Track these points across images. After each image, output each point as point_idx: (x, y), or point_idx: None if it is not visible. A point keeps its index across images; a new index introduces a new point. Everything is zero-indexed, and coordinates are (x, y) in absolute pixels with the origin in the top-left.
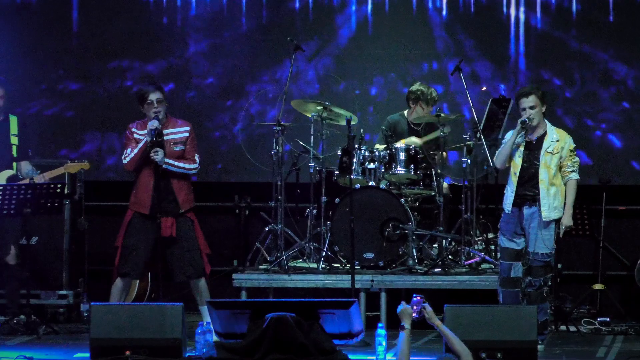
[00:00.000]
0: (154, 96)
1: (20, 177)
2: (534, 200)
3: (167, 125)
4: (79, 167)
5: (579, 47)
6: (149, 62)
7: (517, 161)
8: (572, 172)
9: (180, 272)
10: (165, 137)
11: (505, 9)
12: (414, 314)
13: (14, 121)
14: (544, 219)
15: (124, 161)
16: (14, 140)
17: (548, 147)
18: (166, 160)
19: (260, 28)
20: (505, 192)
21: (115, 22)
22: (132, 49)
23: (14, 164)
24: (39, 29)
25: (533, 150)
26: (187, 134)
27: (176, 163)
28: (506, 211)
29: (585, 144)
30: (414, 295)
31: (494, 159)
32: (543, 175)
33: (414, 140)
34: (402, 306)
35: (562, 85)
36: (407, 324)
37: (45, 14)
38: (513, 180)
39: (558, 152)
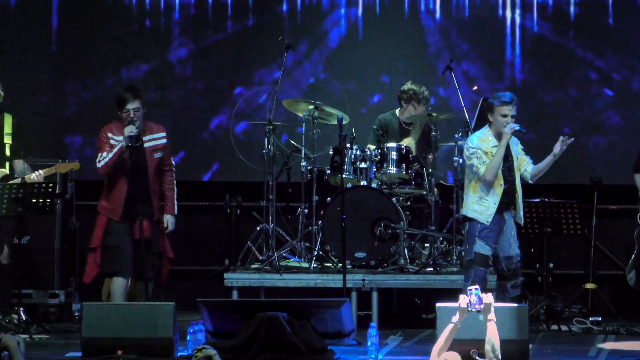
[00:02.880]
0: (131, 105)
1: (15, 176)
2: (511, 204)
3: (145, 131)
4: (69, 167)
5: (576, 50)
6: (133, 66)
7: (500, 173)
8: (530, 161)
9: (140, 270)
10: (146, 145)
11: (500, 12)
12: (470, 308)
13: (8, 119)
14: (519, 222)
15: (98, 165)
16: (8, 139)
17: (518, 154)
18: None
19: (248, 31)
20: (481, 204)
21: (97, 25)
22: (115, 53)
23: (7, 163)
24: (18, 32)
25: (507, 156)
26: (164, 140)
27: (174, 201)
28: (484, 222)
29: (580, 144)
30: (469, 289)
31: (485, 173)
32: (518, 181)
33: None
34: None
35: (558, 88)
36: (455, 318)
37: (25, 16)
38: (497, 192)
39: (520, 155)
